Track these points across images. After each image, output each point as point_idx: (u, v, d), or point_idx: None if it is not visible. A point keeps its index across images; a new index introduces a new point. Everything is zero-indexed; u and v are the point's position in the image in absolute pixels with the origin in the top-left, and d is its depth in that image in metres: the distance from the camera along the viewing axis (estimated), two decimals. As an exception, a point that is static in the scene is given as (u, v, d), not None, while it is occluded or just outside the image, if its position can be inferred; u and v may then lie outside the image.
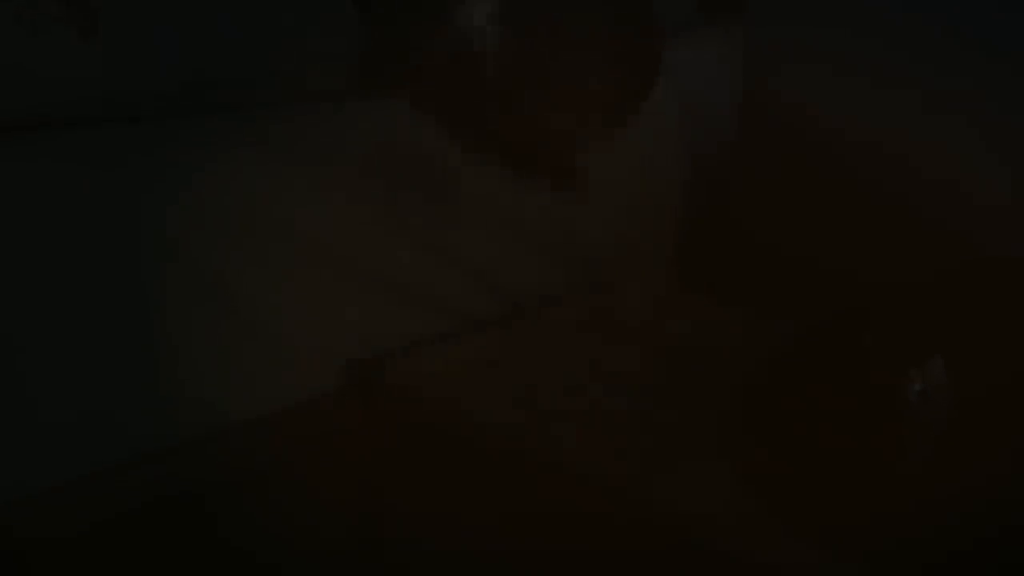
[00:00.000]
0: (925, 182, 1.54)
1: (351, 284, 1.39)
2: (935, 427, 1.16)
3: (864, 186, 1.59)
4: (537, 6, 1.34)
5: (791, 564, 1.13)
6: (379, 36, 1.35)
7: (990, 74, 1.48)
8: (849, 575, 1.10)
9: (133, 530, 1.23)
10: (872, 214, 1.58)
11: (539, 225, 1.58)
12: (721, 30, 1.81)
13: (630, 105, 1.42)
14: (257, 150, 1.32)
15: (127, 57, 1.22)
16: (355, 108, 1.41)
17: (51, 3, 1.16)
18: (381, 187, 1.41)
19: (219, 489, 1.30)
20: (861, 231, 1.59)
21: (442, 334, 1.48)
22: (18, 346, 1.14)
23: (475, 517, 1.34)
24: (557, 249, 1.61)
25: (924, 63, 1.54)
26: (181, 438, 1.26)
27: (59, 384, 1.17)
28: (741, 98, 1.73)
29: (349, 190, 1.38)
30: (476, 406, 1.36)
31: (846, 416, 1.18)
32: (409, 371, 1.41)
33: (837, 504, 1.15)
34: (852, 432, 1.17)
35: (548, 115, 1.34)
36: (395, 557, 1.43)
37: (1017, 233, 1.45)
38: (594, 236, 1.65)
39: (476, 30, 1.31)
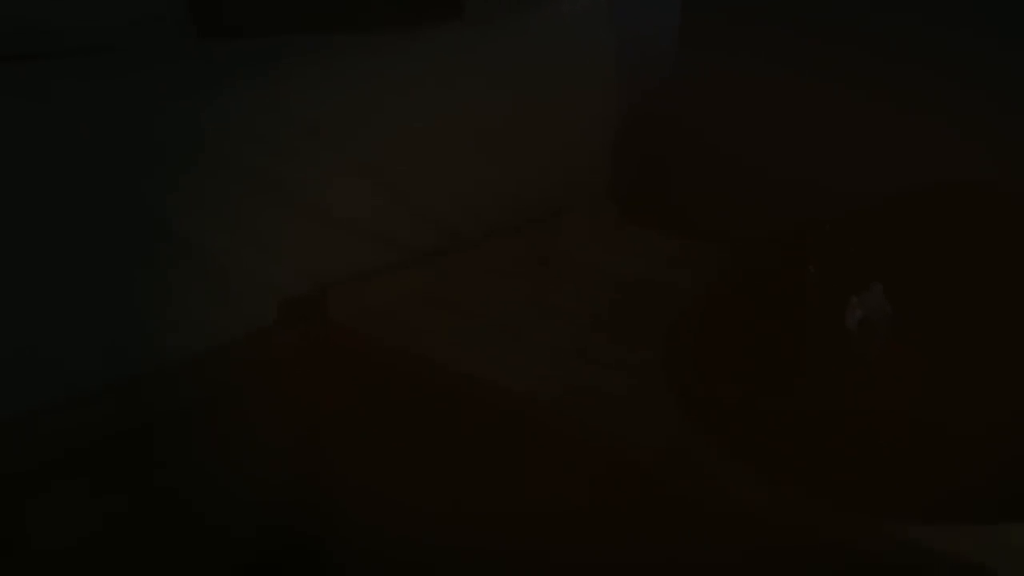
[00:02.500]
0: (866, 105, 1.54)
1: (291, 218, 1.38)
2: (875, 355, 1.17)
3: (804, 112, 1.59)
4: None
5: (733, 496, 1.14)
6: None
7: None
8: (791, 507, 1.12)
9: (76, 467, 1.22)
10: (812, 139, 1.58)
11: (480, 159, 1.57)
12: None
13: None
14: (209, 83, 1.32)
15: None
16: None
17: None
18: (318, 121, 1.40)
19: (159, 426, 1.29)
20: (801, 159, 1.60)
21: (383, 267, 1.47)
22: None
23: (414, 450, 1.34)
24: (498, 183, 1.60)
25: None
26: (121, 375, 1.25)
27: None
28: (678, 26, 1.72)
29: (290, 124, 1.38)
30: (416, 339, 1.35)
31: (787, 345, 1.18)
32: (349, 305, 1.40)
33: (778, 434, 1.15)
34: (792, 362, 1.18)
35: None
36: (332, 491, 1.42)
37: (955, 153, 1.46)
38: (534, 170, 1.64)
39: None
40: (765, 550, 1.13)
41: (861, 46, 1.54)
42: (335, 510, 1.42)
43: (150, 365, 1.27)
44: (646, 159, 1.77)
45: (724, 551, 1.14)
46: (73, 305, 1.21)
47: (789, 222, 1.56)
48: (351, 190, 1.43)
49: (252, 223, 1.34)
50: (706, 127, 1.69)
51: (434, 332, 1.38)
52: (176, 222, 1.28)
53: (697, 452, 1.17)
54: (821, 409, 1.15)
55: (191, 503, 1.34)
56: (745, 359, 1.21)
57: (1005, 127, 1.44)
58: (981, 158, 1.44)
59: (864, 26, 1.54)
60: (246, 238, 1.34)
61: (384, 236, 1.47)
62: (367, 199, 1.45)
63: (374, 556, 1.39)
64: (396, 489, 1.35)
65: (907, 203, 1.29)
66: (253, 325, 1.36)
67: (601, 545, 1.21)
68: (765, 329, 1.21)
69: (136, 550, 1.29)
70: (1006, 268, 1.20)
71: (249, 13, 1.53)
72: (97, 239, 1.22)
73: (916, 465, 1.11)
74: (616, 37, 1.73)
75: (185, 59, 1.41)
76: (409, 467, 1.34)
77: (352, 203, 1.44)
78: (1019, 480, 1.10)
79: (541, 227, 1.63)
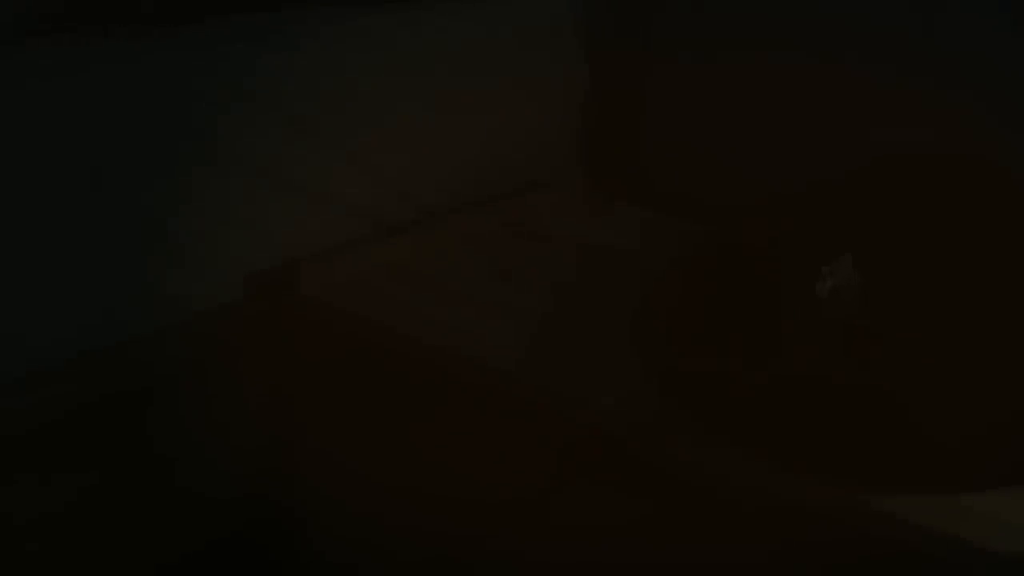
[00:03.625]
0: (838, 71, 1.54)
1: (263, 192, 1.38)
2: (845, 325, 1.17)
3: (776, 79, 1.59)
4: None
5: (699, 460, 1.15)
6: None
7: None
8: (758, 471, 1.12)
9: (42, 442, 1.22)
10: (783, 110, 1.58)
11: (451, 133, 1.57)
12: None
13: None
14: (176, 63, 1.32)
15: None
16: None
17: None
18: (290, 96, 1.40)
19: (129, 399, 1.29)
20: (772, 128, 1.60)
21: (354, 241, 1.47)
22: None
23: (384, 422, 1.34)
24: (469, 155, 1.60)
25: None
26: (92, 349, 1.25)
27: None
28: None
29: (258, 100, 1.37)
30: (386, 312, 1.35)
31: (759, 316, 1.19)
32: (321, 279, 1.39)
33: (746, 401, 1.16)
34: (765, 333, 1.18)
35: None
36: (302, 465, 1.43)
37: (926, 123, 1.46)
38: (506, 143, 1.64)
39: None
40: (738, 519, 1.14)
41: (833, 13, 1.54)
42: (306, 484, 1.42)
43: (121, 338, 1.27)
44: (618, 131, 1.76)
45: (694, 521, 1.15)
46: (44, 280, 1.21)
47: (761, 193, 1.58)
48: (321, 165, 1.43)
49: (223, 199, 1.34)
50: (677, 100, 1.69)
51: (405, 304, 1.37)
52: (146, 198, 1.27)
53: (667, 422, 1.17)
54: (795, 380, 1.15)
55: (162, 475, 1.33)
56: (718, 331, 1.21)
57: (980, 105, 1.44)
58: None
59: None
60: (217, 213, 1.34)
61: (355, 210, 1.47)
62: (338, 174, 1.45)
63: (344, 531, 1.40)
64: (365, 462, 1.35)
65: (876, 173, 1.30)
66: (225, 299, 1.36)
67: (571, 516, 1.22)
68: (737, 301, 1.21)
69: (109, 521, 1.29)
70: (975, 237, 1.20)
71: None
72: (67, 216, 1.22)
73: (888, 436, 1.12)
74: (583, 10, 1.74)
75: (149, 39, 1.41)
76: (379, 439, 1.35)
77: (323, 178, 1.43)
78: (993, 448, 1.12)
79: (512, 200, 1.63)
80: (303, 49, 1.43)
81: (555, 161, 1.73)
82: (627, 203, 1.67)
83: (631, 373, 1.25)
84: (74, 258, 1.23)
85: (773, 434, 1.13)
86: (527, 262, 1.49)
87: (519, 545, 1.25)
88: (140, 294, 1.29)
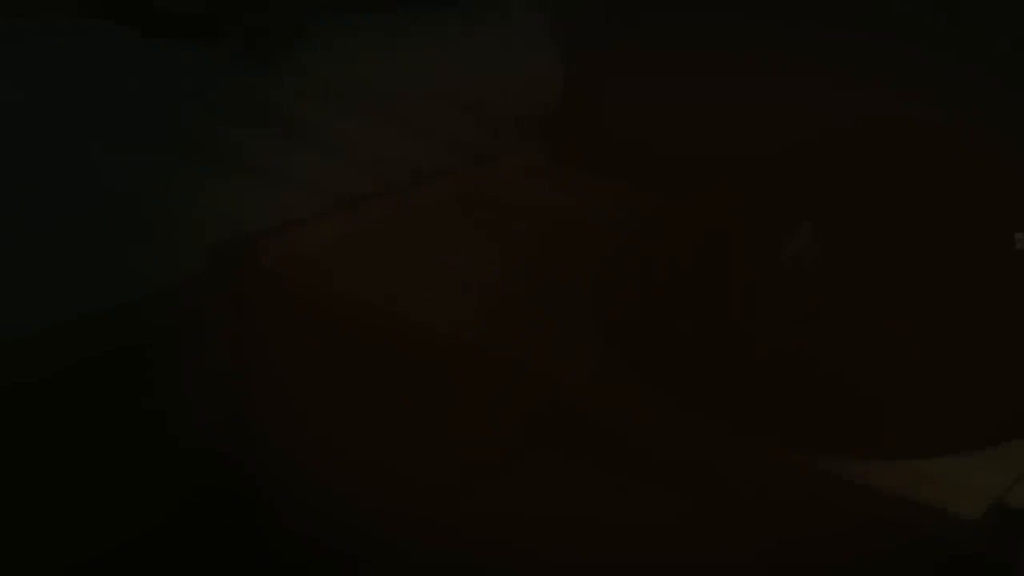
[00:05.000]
0: (802, 44, 1.54)
1: (224, 169, 1.39)
2: (805, 291, 1.17)
3: (739, 48, 1.59)
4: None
5: (657, 423, 1.15)
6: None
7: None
8: (717, 433, 1.13)
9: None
10: (750, 78, 1.58)
11: (409, 101, 1.56)
12: None
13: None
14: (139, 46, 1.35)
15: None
16: None
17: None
18: (251, 80, 1.41)
19: (87, 374, 1.29)
20: (738, 95, 1.59)
21: (312, 214, 1.46)
22: None
23: (345, 394, 1.34)
24: (429, 125, 1.59)
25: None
26: (56, 321, 1.26)
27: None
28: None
29: (218, 74, 1.39)
30: (344, 283, 1.36)
31: (716, 281, 1.19)
32: (279, 252, 1.39)
33: (705, 367, 1.16)
34: (722, 297, 1.18)
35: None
36: (265, 434, 1.42)
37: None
38: (465, 115, 1.64)
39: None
40: (704, 487, 1.14)
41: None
42: (268, 452, 1.42)
43: (84, 311, 1.28)
44: (581, 101, 1.76)
45: (656, 488, 1.15)
46: (9, 253, 1.22)
47: (724, 163, 1.58)
48: (281, 144, 1.44)
49: (186, 176, 1.35)
50: (642, 68, 1.69)
51: (362, 275, 1.38)
52: (112, 176, 1.29)
53: (626, 385, 1.18)
54: (745, 342, 1.15)
55: (127, 443, 1.35)
56: (682, 300, 1.21)
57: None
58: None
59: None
60: (179, 190, 1.35)
61: (314, 185, 1.47)
62: (298, 151, 1.45)
63: (306, 500, 1.40)
64: (325, 430, 1.36)
65: (836, 139, 1.30)
66: (186, 273, 1.36)
67: (531, 481, 1.22)
68: (695, 265, 1.21)
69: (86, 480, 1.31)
70: (937, 204, 1.20)
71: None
72: (32, 192, 1.24)
73: (857, 404, 1.12)
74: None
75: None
76: (339, 407, 1.35)
77: (282, 156, 1.44)
78: (950, 416, 1.12)
79: (471, 170, 1.63)
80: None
81: (518, 131, 1.73)
82: (586, 172, 1.67)
83: (591, 341, 1.25)
84: (41, 232, 1.24)
85: (729, 399, 1.14)
86: (485, 232, 1.49)
87: (480, 514, 1.26)
88: (103, 268, 1.30)
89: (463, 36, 1.65)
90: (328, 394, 1.36)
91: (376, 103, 1.52)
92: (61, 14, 1.44)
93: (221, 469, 1.44)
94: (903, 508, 1.05)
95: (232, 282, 1.39)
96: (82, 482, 1.32)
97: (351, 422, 1.34)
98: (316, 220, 1.45)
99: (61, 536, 1.31)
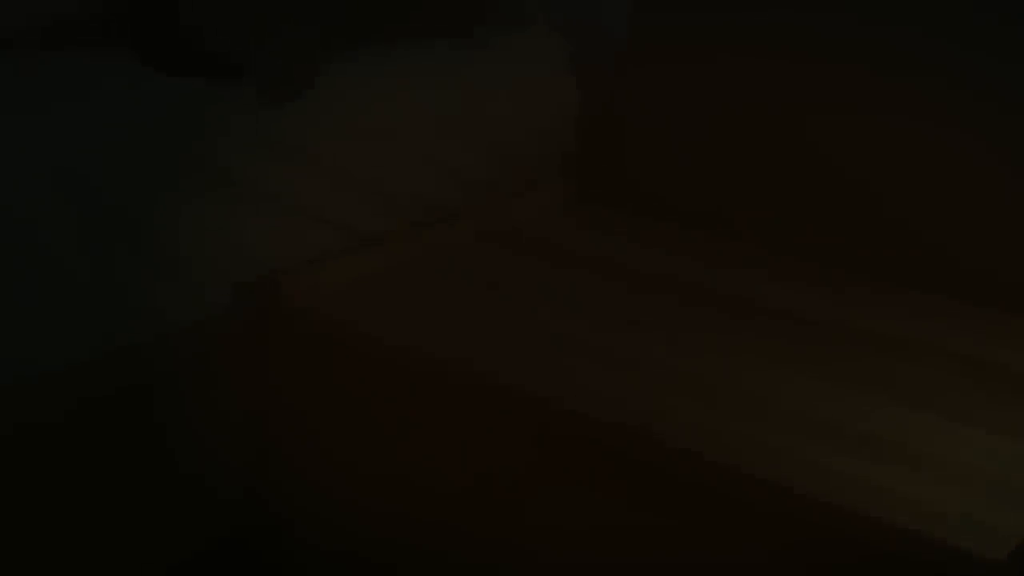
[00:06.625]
0: (816, 100, 1.54)
1: (248, 206, 1.40)
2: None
3: (756, 93, 1.58)
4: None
5: (698, 465, 1.15)
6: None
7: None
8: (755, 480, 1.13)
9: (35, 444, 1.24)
10: (766, 119, 1.58)
11: (433, 145, 1.58)
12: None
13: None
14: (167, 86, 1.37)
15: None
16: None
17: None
18: (273, 116, 1.42)
19: (116, 408, 1.30)
20: (754, 137, 1.59)
21: (339, 251, 1.47)
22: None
23: (370, 433, 1.35)
24: (453, 162, 1.61)
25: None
26: (89, 356, 1.27)
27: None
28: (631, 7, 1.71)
29: (240, 111, 1.40)
30: (372, 323, 1.36)
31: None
32: (306, 289, 1.40)
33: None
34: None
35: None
36: (290, 468, 1.43)
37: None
38: (488, 154, 1.65)
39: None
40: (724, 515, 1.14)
41: (819, 17, 1.53)
42: (294, 485, 1.43)
43: (110, 348, 1.29)
44: (602, 138, 1.76)
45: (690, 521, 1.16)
46: (37, 290, 1.23)
47: (744, 201, 1.58)
48: (303, 180, 1.45)
49: (209, 214, 1.37)
50: (661, 107, 1.69)
51: (386, 312, 1.38)
52: (134, 212, 1.30)
53: (663, 426, 1.18)
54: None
55: (155, 477, 1.35)
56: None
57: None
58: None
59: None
60: (203, 228, 1.36)
61: (335, 222, 1.48)
62: (319, 188, 1.46)
63: (333, 530, 1.41)
64: (349, 463, 1.37)
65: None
66: (212, 310, 1.37)
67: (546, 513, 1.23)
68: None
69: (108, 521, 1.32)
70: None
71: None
72: (60, 228, 1.25)
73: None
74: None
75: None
76: (362, 441, 1.36)
77: (305, 191, 1.45)
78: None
79: (493, 206, 1.63)
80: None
81: (540, 168, 1.73)
82: (607, 208, 1.68)
83: (624, 380, 1.26)
84: (67, 269, 1.25)
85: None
86: (513, 269, 1.50)
87: (501, 537, 1.27)
88: (129, 305, 1.31)
89: (482, 70, 1.65)
90: (352, 430, 1.36)
91: (395, 138, 1.53)
92: (87, 48, 1.47)
93: (248, 505, 1.44)
94: (922, 546, 1.05)
95: (257, 318, 1.39)
96: (107, 519, 1.32)
97: (372, 451, 1.35)
98: (340, 257, 1.46)
99: (89, 572, 1.33)
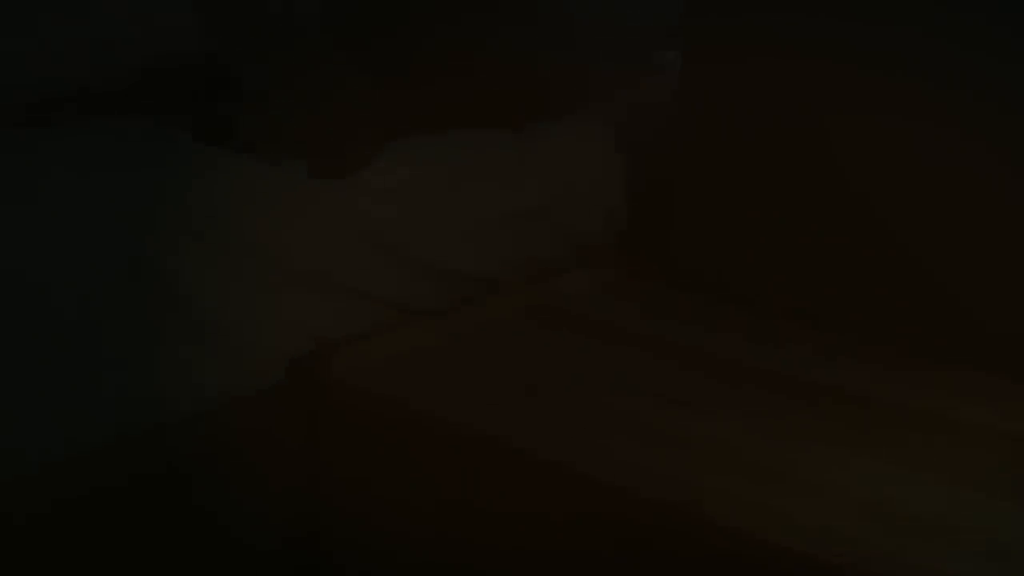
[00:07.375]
0: (872, 159, 1.53)
1: (296, 280, 1.41)
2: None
3: (811, 164, 1.58)
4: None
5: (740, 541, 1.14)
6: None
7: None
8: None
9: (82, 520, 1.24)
10: (824, 194, 1.58)
11: (484, 215, 1.59)
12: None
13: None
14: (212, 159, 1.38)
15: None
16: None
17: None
18: (317, 181, 1.43)
19: (163, 484, 1.31)
20: (806, 209, 1.59)
21: (388, 325, 1.48)
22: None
23: (419, 510, 1.35)
24: (502, 239, 1.62)
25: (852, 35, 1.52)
26: (122, 435, 1.27)
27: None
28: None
29: (284, 186, 1.42)
30: (422, 399, 1.36)
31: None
32: (354, 364, 1.41)
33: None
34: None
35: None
36: (336, 554, 1.43)
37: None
38: (538, 230, 1.66)
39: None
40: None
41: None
42: (343, 559, 1.43)
43: (158, 422, 1.30)
44: (652, 215, 1.77)
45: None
46: (81, 364, 1.24)
47: (796, 282, 1.57)
48: (352, 254, 1.46)
49: (257, 288, 1.38)
50: (708, 183, 1.69)
51: (435, 388, 1.38)
52: (182, 287, 1.31)
53: (707, 504, 1.18)
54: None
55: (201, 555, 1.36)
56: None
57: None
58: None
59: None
60: (252, 303, 1.37)
61: (384, 297, 1.49)
62: (366, 262, 1.48)
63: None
64: (397, 537, 1.37)
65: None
66: (263, 385, 1.38)
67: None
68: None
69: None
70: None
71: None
72: (106, 303, 1.26)
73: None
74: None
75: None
76: (410, 515, 1.36)
77: (354, 267, 1.46)
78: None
79: (541, 284, 1.64)
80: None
81: (590, 245, 1.74)
82: (658, 285, 1.68)
83: (672, 458, 1.25)
84: (112, 344, 1.26)
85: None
86: (563, 346, 1.50)
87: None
88: (176, 380, 1.31)
89: (532, 152, 1.67)
90: (398, 499, 1.37)
91: (446, 217, 1.55)
92: (120, 116, 1.47)
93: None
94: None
95: (307, 393, 1.40)
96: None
97: (419, 526, 1.35)
98: (389, 331, 1.47)
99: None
